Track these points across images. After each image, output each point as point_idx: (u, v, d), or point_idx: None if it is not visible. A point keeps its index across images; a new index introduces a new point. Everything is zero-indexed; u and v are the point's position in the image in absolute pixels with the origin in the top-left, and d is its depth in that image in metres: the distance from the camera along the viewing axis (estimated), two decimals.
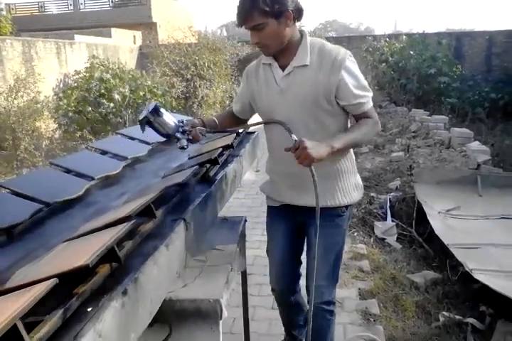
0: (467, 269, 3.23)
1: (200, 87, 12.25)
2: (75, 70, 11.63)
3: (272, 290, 2.41)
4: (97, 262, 1.25)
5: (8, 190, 2.21)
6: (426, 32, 17.20)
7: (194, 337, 1.62)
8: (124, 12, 21.45)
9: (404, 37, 14.82)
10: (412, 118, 9.16)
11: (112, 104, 10.38)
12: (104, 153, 3.03)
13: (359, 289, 3.45)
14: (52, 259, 1.40)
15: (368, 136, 2.06)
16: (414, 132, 8.26)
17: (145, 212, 1.70)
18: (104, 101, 10.31)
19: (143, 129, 1.97)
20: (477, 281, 3.19)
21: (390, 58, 13.53)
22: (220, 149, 2.65)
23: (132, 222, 1.51)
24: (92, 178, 2.51)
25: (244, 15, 1.81)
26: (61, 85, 12.66)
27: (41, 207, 2.07)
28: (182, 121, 1.99)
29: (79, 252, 1.34)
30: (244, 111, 2.25)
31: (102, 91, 10.43)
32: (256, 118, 2.36)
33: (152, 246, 1.53)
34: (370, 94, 1.99)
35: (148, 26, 20.46)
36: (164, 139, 2.65)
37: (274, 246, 2.31)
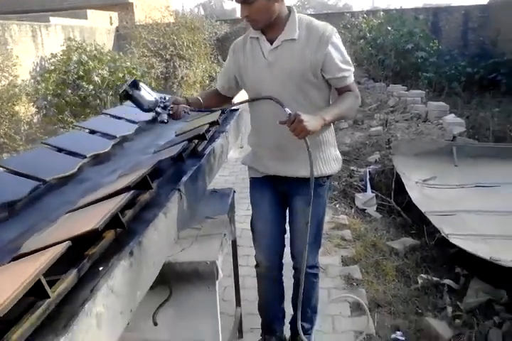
0: (443, 234, 3.42)
1: (179, 66, 12.21)
2: (52, 53, 11.46)
3: (257, 265, 2.41)
4: (103, 228, 1.37)
5: (5, 169, 2.30)
6: (403, 8, 17.26)
7: (193, 296, 1.76)
8: None
9: (381, 13, 14.88)
10: (390, 94, 9.33)
11: (91, 86, 10.30)
12: (92, 132, 3.12)
13: (342, 256, 3.63)
14: (61, 227, 1.51)
15: (352, 109, 2.13)
16: (392, 107, 8.44)
17: (142, 184, 1.82)
18: (83, 83, 10.23)
19: (121, 102, 2.10)
20: (453, 246, 3.39)
21: (368, 34, 13.61)
22: (207, 125, 2.77)
23: (132, 191, 1.63)
24: (84, 156, 2.61)
25: None
26: (38, 69, 12.48)
27: (38, 184, 2.18)
28: (164, 98, 2.03)
29: (86, 219, 1.45)
30: (229, 87, 2.27)
31: (81, 73, 10.34)
32: (241, 95, 2.46)
33: (151, 214, 1.65)
34: (353, 68, 2.08)
35: (124, 7, 20.10)
36: (148, 118, 2.77)
37: (259, 216, 2.33)
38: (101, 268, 1.29)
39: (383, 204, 4.63)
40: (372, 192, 4.79)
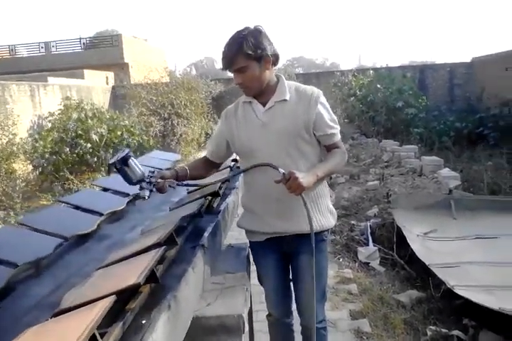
0: (449, 286, 3.47)
1: (178, 124, 12.52)
2: (49, 112, 11.75)
3: (269, 315, 2.50)
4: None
5: (26, 227, 2.37)
6: (390, 65, 18.10)
7: None
8: (95, 53, 21.86)
9: (371, 71, 15.53)
10: (384, 149, 9.58)
11: (89, 145, 10.48)
12: (105, 190, 3.22)
13: (350, 310, 3.64)
14: (98, 282, 1.58)
15: (341, 165, 2.24)
16: (386, 162, 8.66)
17: (168, 240, 1.90)
18: (81, 141, 10.41)
19: (109, 173, 2.13)
20: (459, 297, 3.43)
21: (358, 92, 14.12)
22: (220, 183, 2.89)
23: (163, 247, 1.71)
24: (101, 214, 2.69)
25: (230, 59, 2.00)
26: (35, 127, 12.75)
27: (61, 242, 2.24)
28: (153, 172, 2.06)
29: (124, 274, 1.53)
30: (220, 151, 2.32)
31: (79, 132, 10.56)
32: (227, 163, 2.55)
33: (181, 269, 1.73)
34: (339, 127, 2.22)
35: (120, 67, 20.86)
36: None
37: (266, 279, 2.39)
38: (144, 321, 1.35)
39: (386, 258, 4.68)
40: (374, 245, 4.85)
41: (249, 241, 2.41)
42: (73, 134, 10.60)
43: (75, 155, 10.43)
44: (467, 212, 5.04)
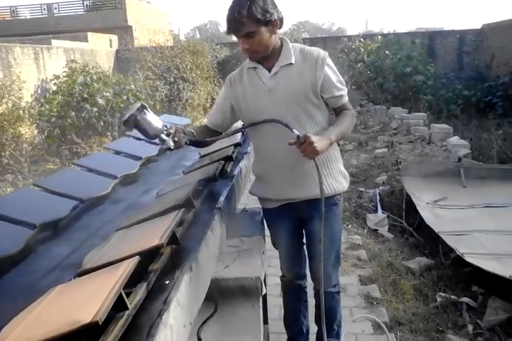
0: (459, 253, 3.48)
1: (183, 89, 12.37)
2: (54, 74, 11.60)
3: (283, 276, 2.55)
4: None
5: (41, 188, 2.37)
6: (398, 31, 17.68)
7: (237, 313, 1.81)
8: (98, 16, 21.42)
9: (379, 37, 15.22)
10: (392, 116, 9.48)
11: (95, 109, 10.40)
12: (118, 153, 3.20)
13: (359, 276, 3.68)
14: (120, 243, 1.57)
15: (351, 127, 2.20)
16: (395, 129, 8.58)
17: (185, 203, 1.89)
18: (87, 105, 10.33)
19: (129, 129, 1.99)
20: (468, 264, 3.45)
21: (366, 58, 13.88)
22: (232, 147, 2.87)
23: (183, 209, 1.70)
24: (115, 177, 2.68)
25: (238, 25, 1.91)
26: (39, 91, 12.63)
27: (77, 204, 2.24)
28: (166, 126, 1.97)
29: (146, 235, 1.52)
30: (223, 120, 2.26)
31: (85, 95, 10.46)
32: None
33: (200, 232, 1.72)
34: (346, 88, 2.18)
35: (123, 30, 20.46)
36: None
37: (280, 244, 2.41)
38: (167, 282, 1.35)
39: (395, 225, 4.69)
40: (383, 212, 4.86)
41: (262, 208, 2.41)
42: (79, 98, 10.51)
43: (81, 119, 10.37)
44: (476, 180, 5.03)
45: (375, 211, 4.94)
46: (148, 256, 1.46)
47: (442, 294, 3.30)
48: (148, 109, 1.92)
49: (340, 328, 2.55)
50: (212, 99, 13.38)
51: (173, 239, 1.53)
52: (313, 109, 2.09)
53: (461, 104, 12.06)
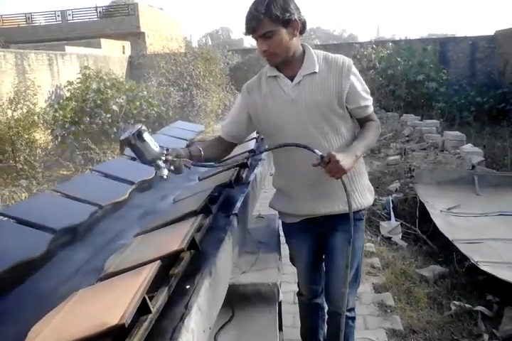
0: (473, 262, 3.47)
1: (197, 96, 12.47)
2: (68, 81, 11.75)
3: (300, 294, 2.43)
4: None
5: (61, 194, 2.40)
6: (409, 38, 17.71)
7: (254, 318, 1.82)
8: (111, 22, 21.66)
9: (390, 44, 15.23)
10: (404, 123, 9.47)
11: (108, 115, 10.51)
12: (134, 159, 3.23)
13: (373, 284, 3.67)
14: (140, 248, 1.60)
15: (376, 139, 2.10)
16: (407, 136, 8.57)
17: (203, 209, 1.91)
18: (101, 111, 10.44)
19: (121, 150, 1.84)
20: (482, 273, 3.43)
21: (378, 65, 13.90)
22: (247, 153, 2.89)
23: (201, 215, 1.72)
24: (133, 183, 2.72)
25: (256, 22, 1.82)
26: (53, 97, 12.77)
27: (96, 209, 2.27)
28: (167, 149, 1.82)
29: (166, 240, 1.54)
30: (238, 130, 2.12)
31: (98, 102, 10.57)
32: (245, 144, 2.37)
33: (218, 237, 1.74)
34: (371, 98, 2.06)
35: (136, 36, 20.66)
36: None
37: (299, 260, 2.29)
38: (188, 287, 1.37)
39: (408, 233, 4.68)
40: (396, 220, 4.85)
41: (282, 222, 2.29)
42: (92, 104, 10.62)
43: (94, 125, 10.47)
44: (490, 188, 5.00)
45: (389, 218, 4.92)
46: (168, 260, 1.48)
47: (457, 302, 3.28)
48: (146, 134, 1.76)
49: None
50: (225, 105, 13.47)
51: (192, 244, 1.56)
52: (338, 121, 1.98)
53: (474, 111, 12.04)
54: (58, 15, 22.89)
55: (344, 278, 1.92)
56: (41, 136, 10.48)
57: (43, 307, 1.34)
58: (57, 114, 10.74)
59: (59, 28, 21.94)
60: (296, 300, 2.99)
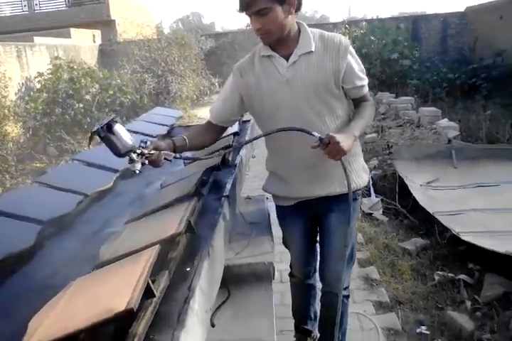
0: (454, 232, 3.56)
1: (172, 82, 12.34)
2: (38, 72, 11.48)
3: (292, 275, 2.38)
4: None
5: (45, 185, 2.38)
6: (381, 17, 17.69)
7: (250, 297, 1.86)
8: (81, 11, 21.04)
9: (364, 23, 15.24)
10: (380, 101, 9.54)
11: (81, 105, 10.33)
12: None
13: (357, 259, 3.73)
14: (134, 235, 1.61)
15: (371, 118, 2.07)
16: (383, 114, 8.65)
17: (195, 192, 1.92)
18: (73, 101, 10.26)
19: (89, 143, 1.68)
20: (463, 243, 3.53)
21: (352, 45, 13.88)
22: (232, 136, 2.89)
23: (195, 198, 1.73)
24: (116, 170, 2.70)
25: None
26: (23, 89, 12.46)
27: (82, 198, 2.26)
28: (145, 142, 1.72)
29: (162, 225, 1.55)
30: (231, 114, 2.06)
31: (70, 92, 10.38)
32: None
33: (210, 220, 1.76)
34: (366, 78, 2.01)
35: (106, 24, 20.19)
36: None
37: (292, 242, 2.26)
38: (188, 269, 1.39)
39: (388, 208, 4.76)
40: (377, 196, 4.93)
41: (276, 206, 2.24)
42: (64, 95, 10.43)
43: (67, 116, 10.29)
44: (468, 161, 5.10)
45: (369, 195, 5.00)
46: (164, 245, 1.49)
47: (440, 273, 3.38)
48: (117, 126, 1.65)
49: (345, 337, 2.35)
50: (200, 91, 13.37)
51: (188, 227, 1.57)
52: (334, 102, 1.94)
53: (446, 87, 12.17)
54: (25, 5, 22.16)
55: (340, 257, 1.92)
56: (13, 129, 10.27)
57: (39, 299, 1.34)
58: (28, 106, 10.53)
59: (26, 18, 21.27)
60: (284, 279, 3.07)
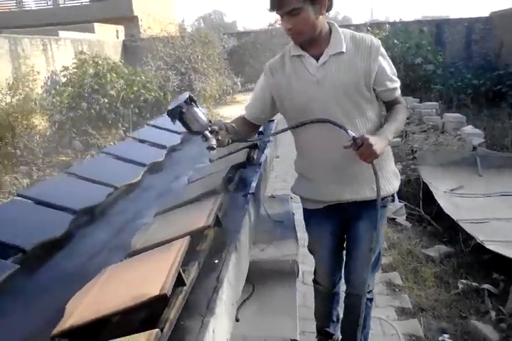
0: (478, 241, 3.51)
1: (195, 80, 12.39)
2: (63, 66, 11.63)
3: (316, 282, 2.32)
4: None
5: (77, 176, 2.41)
6: (405, 20, 17.56)
7: (274, 293, 1.86)
8: (104, 6, 21.23)
9: (387, 26, 15.14)
10: None
11: (106, 100, 10.43)
12: (142, 141, 3.24)
13: (381, 264, 3.71)
14: (165, 226, 1.62)
15: (404, 122, 2.02)
16: (407, 119, 8.56)
17: (221, 188, 1.93)
18: (99, 96, 10.36)
19: (173, 121, 1.73)
20: (487, 252, 3.47)
21: None
22: (257, 135, 2.90)
23: (222, 194, 1.74)
24: (144, 165, 2.73)
25: None
26: (49, 82, 12.65)
27: (112, 191, 2.29)
28: (210, 120, 1.78)
29: (191, 218, 1.56)
30: (262, 113, 2.07)
31: (96, 87, 10.49)
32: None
33: (237, 215, 1.77)
34: (399, 80, 1.98)
35: (129, 20, 20.35)
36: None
37: (320, 248, 2.21)
38: (216, 261, 1.39)
39: (412, 214, 4.72)
40: (400, 201, 4.88)
41: (304, 209, 2.20)
42: (89, 89, 10.54)
43: (92, 111, 10.40)
44: (493, 169, 5.03)
45: (393, 200, 4.95)
46: (193, 237, 1.50)
47: (464, 281, 3.33)
48: (196, 103, 1.73)
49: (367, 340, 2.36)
50: (223, 90, 13.40)
51: (216, 221, 1.58)
52: (365, 104, 1.90)
53: (471, 94, 12.02)
54: (50, 0, 22.54)
55: (366, 262, 1.92)
56: (40, 122, 10.42)
57: (74, 284, 1.37)
58: (54, 100, 10.67)
59: (51, 12, 21.59)
60: (306, 280, 3.05)
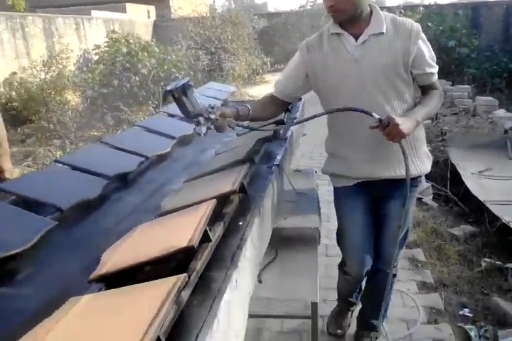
0: (504, 221, 3.50)
1: (225, 60, 12.44)
2: (95, 44, 11.83)
3: (344, 271, 2.26)
4: None
5: (109, 146, 2.51)
6: (440, 3, 17.12)
7: (296, 258, 1.93)
8: None
9: (421, 8, 14.80)
10: None
11: (137, 78, 10.58)
12: (171, 116, 3.32)
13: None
14: (193, 191, 1.70)
15: (438, 107, 2.00)
16: None
17: (248, 159, 1.99)
18: (130, 74, 10.52)
19: (164, 104, 1.73)
20: None
21: None
22: (284, 113, 2.94)
23: (248, 163, 1.81)
24: (173, 137, 2.81)
25: None
26: (81, 60, 12.91)
27: (143, 160, 2.38)
28: (213, 107, 1.76)
29: (218, 184, 1.64)
30: (295, 89, 2.03)
31: (127, 65, 10.63)
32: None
33: (261, 184, 1.84)
34: (437, 66, 1.96)
35: (160, 0, 20.33)
36: None
37: (352, 226, 2.15)
38: (240, 223, 1.47)
39: (439, 194, 4.71)
40: (427, 182, 4.87)
41: (334, 188, 2.16)
42: (121, 67, 10.69)
43: (123, 88, 10.57)
44: None
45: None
46: (219, 202, 1.58)
47: (487, 259, 3.34)
48: (192, 88, 1.73)
49: (386, 312, 2.38)
50: (253, 70, 13.40)
51: (241, 188, 1.65)
52: (402, 86, 1.89)
53: (506, 78, 11.74)
54: None
55: (394, 238, 1.94)
56: (73, 97, 10.66)
57: (107, 239, 1.47)
58: (86, 77, 10.87)
59: None
60: (329, 253, 3.13)
